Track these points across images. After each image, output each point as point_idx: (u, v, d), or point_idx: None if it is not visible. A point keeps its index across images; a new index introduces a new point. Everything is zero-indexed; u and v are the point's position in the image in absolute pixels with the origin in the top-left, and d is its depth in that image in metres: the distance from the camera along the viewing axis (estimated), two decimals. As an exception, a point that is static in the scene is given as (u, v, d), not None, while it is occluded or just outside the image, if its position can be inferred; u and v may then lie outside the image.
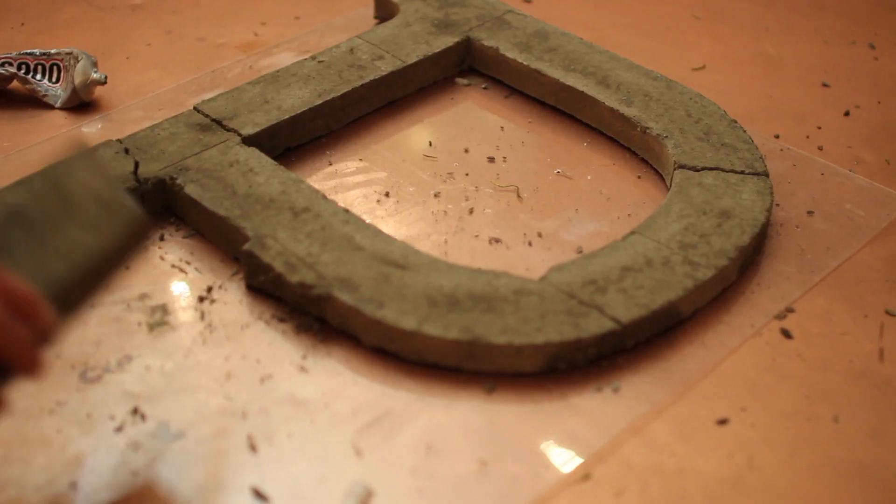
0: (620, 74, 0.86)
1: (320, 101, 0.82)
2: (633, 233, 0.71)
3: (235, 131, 0.78)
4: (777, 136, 0.87)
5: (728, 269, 0.69)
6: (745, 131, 0.81)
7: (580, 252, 0.73)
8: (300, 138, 0.83)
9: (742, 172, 0.76)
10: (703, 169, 0.76)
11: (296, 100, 0.82)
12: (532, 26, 0.92)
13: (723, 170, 0.76)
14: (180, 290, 0.69)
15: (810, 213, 0.78)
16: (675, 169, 0.77)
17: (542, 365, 0.63)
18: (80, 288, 0.53)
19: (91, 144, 0.76)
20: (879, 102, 0.93)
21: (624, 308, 0.65)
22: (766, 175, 0.76)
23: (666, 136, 0.80)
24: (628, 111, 0.82)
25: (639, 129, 0.82)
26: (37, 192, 0.54)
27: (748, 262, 0.72)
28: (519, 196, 0.79)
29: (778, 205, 0.78)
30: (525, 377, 0.64)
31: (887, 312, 0.70)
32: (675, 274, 0.67)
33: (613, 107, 0.83)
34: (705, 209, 0.73)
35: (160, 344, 0.65)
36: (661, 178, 0.81)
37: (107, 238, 0.54)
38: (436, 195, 0.79)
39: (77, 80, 0.85)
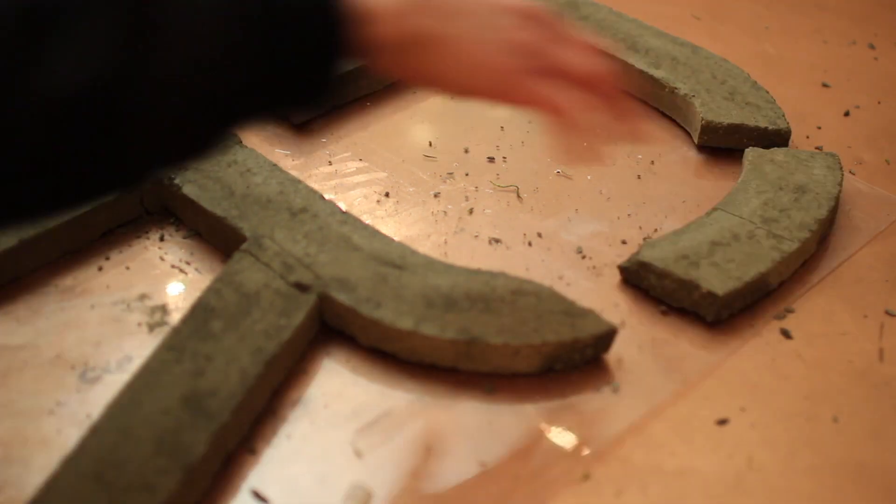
0: (649, 41, 0.92)
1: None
2: (715, 209, 0.74)
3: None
4: (777, 136, 0.87)
5: (809, 241, 0.72)
6: (767, 92, 0.86)
7: (580, 252, 0.73)
8: (300, 138, 0.83)
9: (766, 128, 0.81)
10: (729, 125, 0.82)
11: (295, 100, 0.82)
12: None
13: (748, 126, 0.81)
14: (180, 291, 0.69)
15: (810, 213, 0.78)
16: (701, 124, 0.82)
17: (540, 365, 0.63)
18: None
19: None
20: (879, 102, 0.93)
21: (719, 281, 0.66)
22: (789, 131, 0.82)
23: (693, 96, 0.84)
24: (657, 73, 0.88)
25: (667, 90, 0.87)
26: None
27: (825, 234, 0.75)
28: (519, 196, 0.79)
29: (778, 205, 0.79)
30: (523, 377, 0.64)
31: (887, 312, 0.70)
32: (762, 247, 0.70)
33: (643, 69, 0.88)
34: (781, 185, 0.76)
35: (160, 344, 0.65)
36: (661, 177, 0.81)
37: None
38: (436, 195, 0.79)
39: None
